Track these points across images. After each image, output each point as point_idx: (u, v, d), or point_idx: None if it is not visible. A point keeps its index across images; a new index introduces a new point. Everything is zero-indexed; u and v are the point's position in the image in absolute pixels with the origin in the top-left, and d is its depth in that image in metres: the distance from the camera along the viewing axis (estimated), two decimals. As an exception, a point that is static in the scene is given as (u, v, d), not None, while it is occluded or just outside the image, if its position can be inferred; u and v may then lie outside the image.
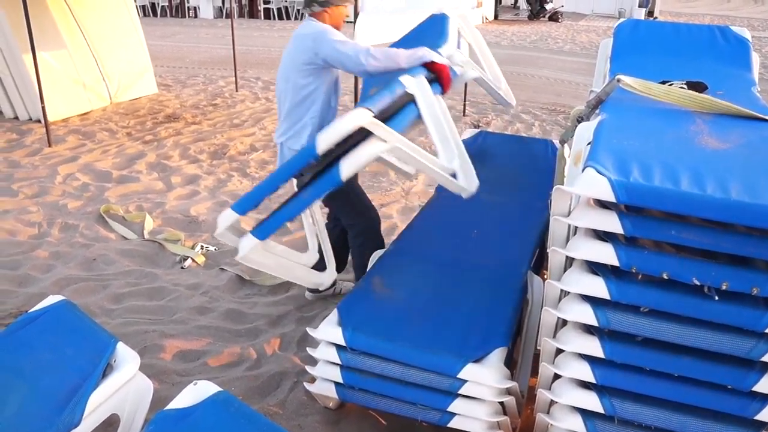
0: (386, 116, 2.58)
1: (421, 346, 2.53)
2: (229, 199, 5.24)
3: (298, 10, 18.68)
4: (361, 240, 3.55)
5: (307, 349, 2.78)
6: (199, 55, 12.42)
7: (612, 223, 2.08)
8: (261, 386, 3.10)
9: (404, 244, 3.34)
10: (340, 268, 3.78)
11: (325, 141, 2.46)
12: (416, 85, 2.71)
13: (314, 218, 3.32)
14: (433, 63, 2.89)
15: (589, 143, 2.50)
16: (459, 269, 3.11)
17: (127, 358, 2.54)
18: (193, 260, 4.26)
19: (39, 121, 7.39)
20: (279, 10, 19.14)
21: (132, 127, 7.32)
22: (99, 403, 2.42)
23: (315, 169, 2.58)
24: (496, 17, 20.17)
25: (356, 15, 4.90)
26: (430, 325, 2.66)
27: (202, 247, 4.40)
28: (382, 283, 2.95)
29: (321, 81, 3.29)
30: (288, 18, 18.90)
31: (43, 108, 6.48)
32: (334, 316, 2.71)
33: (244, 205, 2.77)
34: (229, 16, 19.49)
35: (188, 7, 20.24)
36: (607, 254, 2.10)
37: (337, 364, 2.65)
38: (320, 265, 3.33)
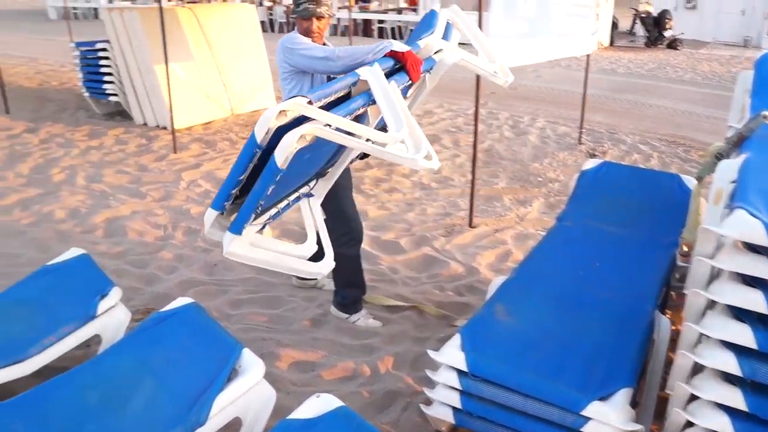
0: (334, 102, 2.63)
1: (544, 378, 2.48)
2: (344, 214, 5.33)
3: (411, 31, 18.90)
4: (341, 243, 3.58)
5: (427, 371, 2.78)
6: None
7: (764, 268, 1.98)
8: (374, 403, 3.11)
9: (526, 273, 3.30)
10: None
11: (259, 130, 2.42)
12: (368, 71, 2.79)
13: (312, 210, 3.24)
14: (394, 52, 3.00)
15: (733, 182, 2.40)
16: (582, 302, 3.03)
17: (252, 365, 2.60)
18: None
19: (165, 128, 7.78)
20: (393, 29, 19.42)
21: (252, 138, 7.56)
22: (224, 406, 2.49)
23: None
24: (611, 43, 19.72)
25: (481, 39, 4.89)
26: (553, 358, 2.61)
27: (317, 260, 4.48)
28: (505, 311, 2.92)
29: (302, 84, 3.49)
30: (401, 37, 19.12)
31: (171, 116, 6.81)
32: (456, 340, 2.69)
33: (218, 202, 2.71)
34: (344, 34, 19.97)
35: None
36: (756, 301, 2.00)
37: (457, 389, 2.63)
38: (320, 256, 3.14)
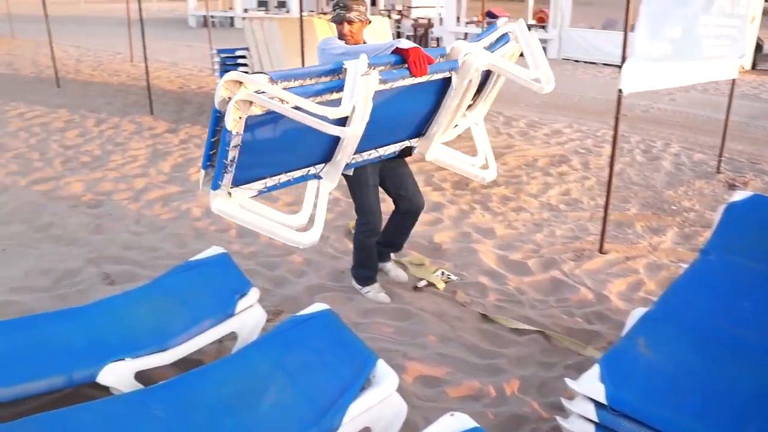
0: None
1: (692, 421, 2.35)
2: (472, 231, 5.29)
3: (540, 48, 18.63)
4: (360, 231, 4.10)
5: (562, 399, 2.70)
6: (441, 85, 12.76)
7: None
8: (499, 426, 3.05)
9: (668, 306, 3.14)
10: (395, 250, 4.48)
11: (217, 95, 2.73)
12: (352, 63, 3.06)
13: (318, 190, 3.49)
14: (399, 49, 3.29)
15: None
16: (731, 343, 2.86)
17: (386, 376, 2.61)
18: (432, 284, 4.34)
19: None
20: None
21: (379, 149, 7.67)
22: (357, 414, 2.51)
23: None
24: (753, 66, 18.65)
25: (623, 60, 4.74)
26: (701, 400, 2.46)
27: (443, 273, 4.47)
28: (646, 344, 2.79)
29: None
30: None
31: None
32: (595, 370, 2.59)
33: (204, 162, 3.08)
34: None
35: (431, 38, 20.96)
36: None
37: (593, 422, 2.53)
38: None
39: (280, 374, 2.76)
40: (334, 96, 3.00)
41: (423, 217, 5.50)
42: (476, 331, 3.89)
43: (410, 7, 23.94)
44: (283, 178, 3.34)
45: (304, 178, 3.46)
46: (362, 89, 3.00)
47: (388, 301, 4.18)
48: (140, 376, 3.06)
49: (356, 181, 3.96)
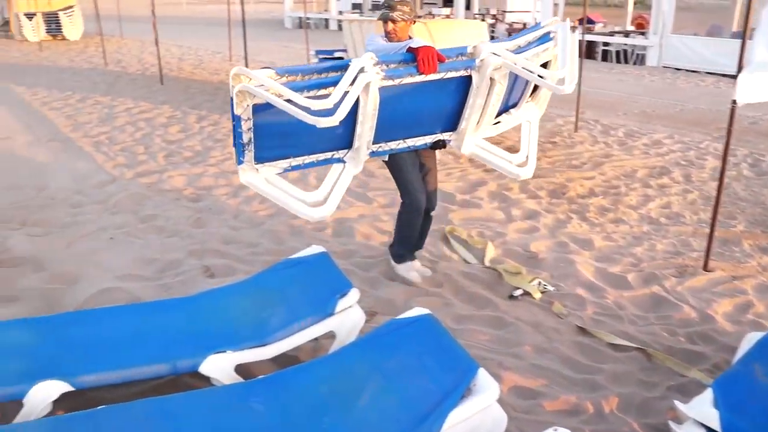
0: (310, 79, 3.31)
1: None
2: (569, 241, 5.17)
3: (638, 54, 18.07)
4: (403, 210, 4.33)
5: (670, 423, 2.59)
6: (535, 91, 12.57)
7: None
8: (598, 445, 2.97)
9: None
10: (416, 248, 4.60)
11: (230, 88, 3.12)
12: (356, 60, 3.34)
13: (340, 173, 3.73)
14: (411, 48, 3.54)
15: None
16: None
17: (487, 385, 2.57)
18: (528, 293, 4.27)
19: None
20: (618, 53, 18.69)
21: (474, 154, 7.62)
22: (456, 422, 2.48)
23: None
24: None
25: (739, 69, 4.53)
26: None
27: (539, 283, 4.39)
28: (763, 371, 2.65)
29: None
30: (626, 62, 18.35)
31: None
32: (708, 395, 2.49)
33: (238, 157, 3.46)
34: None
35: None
36: None
37: (704, 448, 2.43)
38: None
39: (379, 377, 2.77)
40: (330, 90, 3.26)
41: (518, 224, 5.45)
42: (573, 344, 3.80)
43: (505, 12, 23.67)
44: (307, 159, 3.66)
45: (329, 161, 3.75)
46: (351, 84, 3.25)
47: (419, 281, 4.41)
48: (239, 368, 3.13)
49: (394, 166, 4.21)
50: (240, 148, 3.38)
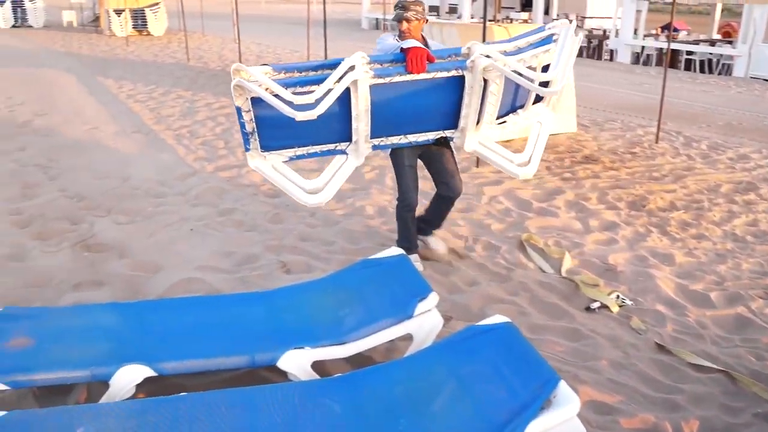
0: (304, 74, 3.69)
1: None
2: (648, 255, 5.04)
3: (724, 64, 17.48)
4: (398, 206, 4.57)
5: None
6: (615, 100, 12.33)
7: None
8: (678, 467, 2.89)
9: None
10: (434, 228, 4.89)
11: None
12: (347, 58, 3.69)
13: (342, 164, 4.02)
14: (402, 48, 3.82)
15: None
16: None
17: (567, 399, 2.53)
18: (606, 307, 4.19)
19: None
20: (702, 62, 18.11)
21: (551, 162, 7.52)
22: (534, 435, 2.45)
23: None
24: None
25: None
26: None
27: (617, 297, 4.29)
28: None
29: None
30: (710, 72, 17.76)
31: (479, 131, 6.99)
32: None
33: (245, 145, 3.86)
34: (646, 63, 19.10)
35: (605, 50, 20.30)
36: None
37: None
38: None
39: (455, 382, 2.76)
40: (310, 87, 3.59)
41: (596, 235, 5.35)
42: (651, 362, 3.70)
43: (584, 17, 23.23)
44: (311, 149, 3.95)
45: (331, 153, 4.01)
46: (337, 83, 3.58)
47: (422, 269, 4.58)
48: (315, 365, 3.16)
49: (395, 161, 4.45)
50: (245, 136, 3.75)
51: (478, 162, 7.08)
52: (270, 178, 3.94)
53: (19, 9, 28.25)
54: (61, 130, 8.85)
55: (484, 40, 6.84)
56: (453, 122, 4.12)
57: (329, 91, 3.53)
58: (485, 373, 2.75)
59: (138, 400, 2.88)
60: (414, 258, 4.59)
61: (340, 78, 3.58)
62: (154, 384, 3.09)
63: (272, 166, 3.91)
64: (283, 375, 3.16)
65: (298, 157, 3.96)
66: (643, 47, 19.36)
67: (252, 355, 3.13)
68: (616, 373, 3.55)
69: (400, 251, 3.80)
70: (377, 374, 2.90)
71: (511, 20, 21.83)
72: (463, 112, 4.02)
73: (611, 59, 19.99)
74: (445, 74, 3.83)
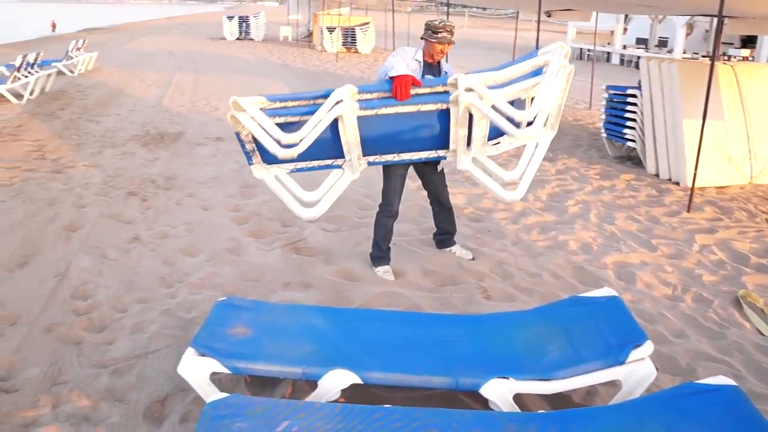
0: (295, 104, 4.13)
1: None
2: None
3: None
4: (380, 211, 4.90)
5: None
6: None
7: None
8: None
9: None
10: (452, 235, 5.35)
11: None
12: (337, 90, 4.00)
13: (338, 178, 4.37)
14: (391, 77, 4.12)
15: None
16: None
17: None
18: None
19: (677, 184, 7.62)
20: None
21: (772, 215, 6.96)
22: None
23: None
24: None
25: None
26: None
27: None
28: None
29: None
30: None
31: (695, 174, 6.62)
32: None
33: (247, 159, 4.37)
34: None
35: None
36: None
37: None
38: None
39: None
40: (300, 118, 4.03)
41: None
42: None
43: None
44: (310, 164, 4.34)
45: (329, 167, 4.38)
46: (323, 118, 3.92)
47: (392, 279, 4.82)
48: (516, 397, 3.13)
49: (386, 172, 4.78)
50: (247, 154, 4.24)
51: (690, 206, 6.69)
52: (271, 188, 4.35)
53: (244, 23, 31.10)
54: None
55: (710, 82, 6.48)
56: (445, 143, 4.38)
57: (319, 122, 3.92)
58: (707, 438, 2.59)
59: (345, 404, 2.98)
60: (384, 269, 4.89)
61: (330, 110, 3.94)
62: (356, 391, 3.19)
63: (275, 177, 4.32)
64: (482, 402, 3.16)
65: (298, 170, 4.35)
66: None
67: (456, 378, 3.15)
68: None
69: (613, 292, 3.68)
70: (585, 417, 2.82)
71: (729, 57, 20.52)
72: (452, 137, 4.28)
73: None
74: (431, 107, 4.12)
